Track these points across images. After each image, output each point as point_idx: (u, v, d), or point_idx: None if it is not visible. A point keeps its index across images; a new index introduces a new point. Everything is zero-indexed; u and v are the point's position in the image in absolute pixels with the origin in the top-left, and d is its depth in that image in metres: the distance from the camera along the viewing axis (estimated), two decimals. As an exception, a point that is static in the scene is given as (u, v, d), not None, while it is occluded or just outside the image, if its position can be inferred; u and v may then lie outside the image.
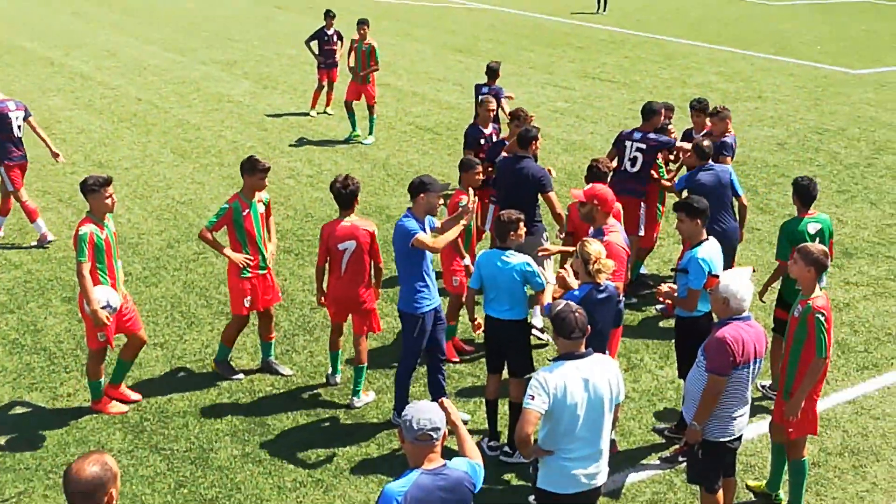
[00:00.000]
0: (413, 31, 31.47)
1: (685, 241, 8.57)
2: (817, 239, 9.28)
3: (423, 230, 8.47)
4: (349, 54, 18.15)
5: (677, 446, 8.54)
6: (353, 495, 7.93)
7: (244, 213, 9.25)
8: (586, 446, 6.11)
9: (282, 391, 9.45)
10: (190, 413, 8.99)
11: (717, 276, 7.81)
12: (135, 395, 9.27)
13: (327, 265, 9.10)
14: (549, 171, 10.64)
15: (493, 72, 14.59)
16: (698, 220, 8.26)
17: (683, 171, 11.86)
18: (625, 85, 23.83)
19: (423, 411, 4.96)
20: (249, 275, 9.35)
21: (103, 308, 8.41)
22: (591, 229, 8.63)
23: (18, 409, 9.05)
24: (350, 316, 9.32)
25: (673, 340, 10.16)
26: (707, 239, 8.28)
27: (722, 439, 6.92)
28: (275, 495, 7.92)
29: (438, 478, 4.94)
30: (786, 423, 7.47)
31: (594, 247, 7.43)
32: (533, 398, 5.89)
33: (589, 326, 6.13)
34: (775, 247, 9.75)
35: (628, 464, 8.42)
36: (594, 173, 9.97)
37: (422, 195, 8.51)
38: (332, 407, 9.22)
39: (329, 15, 18.89)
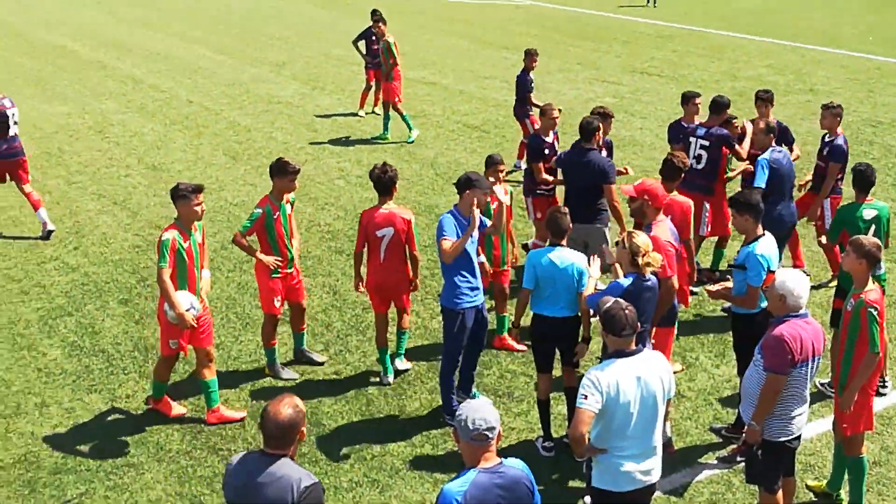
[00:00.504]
0: (456, 28, 31.48)
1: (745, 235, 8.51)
2: (872, 225, 9.23)
3: (465, 227, 8.51)
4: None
5: (735, 446, 8.46)
6: (409, 495, 7.96)
7: (275, 217, 9.35)
8: (640, 443, 6.10)
9: (336, 391, 9.51)
10: (247, 414, 9.07)
11: (774, 273, 7.75)
12: (239, 414, 9.05)
13: (366, 252, 9.34)
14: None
15: (529, 55, 15.67)
16: (748, 216, 8.19)
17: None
18: (673, 79, 23.62)
19: (478, 411, 4.99)
20: (279, 275, 9.46)
21: (187, 311, 8.43)
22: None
23: (78, 412, 9.19)
24: (392, 303, 9.58)
25: (729, 338, 10.11)
26: (763, 234, 8.19)
27: (781, 439, 6.85)
28: (331, 495, 7.97)
29: (496, 476, 4.97)
30: (839, 418, 7.40)
31: (642, 238, 7.40)
32: (586, 397, 5.89)
33: (638, 323, 6.12)
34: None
35: (685, 464, 8.35)
36: (670, 167, 9.78)
37: (468, 192, 8.60)
38: (386, 407, 9.26)
39: (375, 14, 18.83)
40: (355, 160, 16.92)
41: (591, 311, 7.68)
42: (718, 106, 11.73)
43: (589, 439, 6.06)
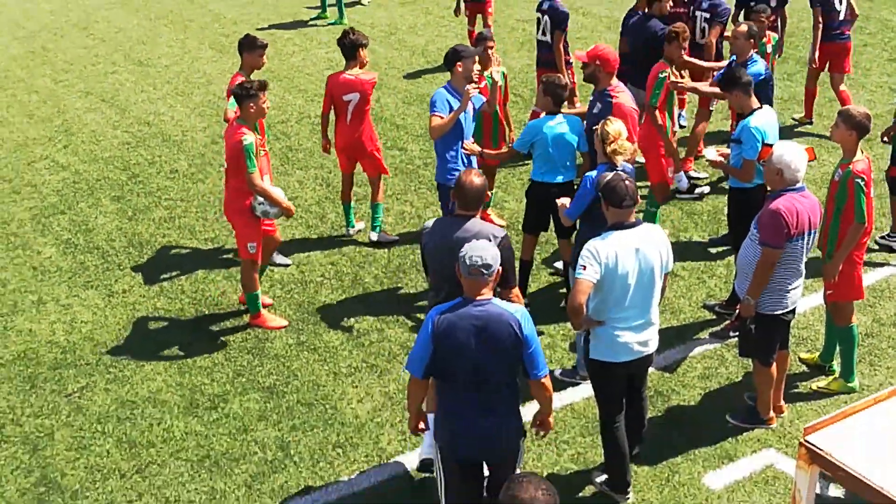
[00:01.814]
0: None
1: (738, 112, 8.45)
2: None
3: (458, 100, 8.51)
4: None
5: (728, 322, 8.54)
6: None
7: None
8: (638, 315, 6.17)
9: (332, 281, 9.55)
10: (244, 308, 9.12)
11: (772, 146, 7.68)
12: (280, 321, 8.90)
13: (333, 115, 9.74)
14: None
15: None
16: (737, 92, 8.13)
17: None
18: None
19: (477, 249, 5.33)
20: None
21: (274, 209, 8.35)
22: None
23: (75, 308, 9.25)
24: (359, 164, 9.98)
25: (721, 216, 10.12)
26: (760, 107, 8.11)
27: (776, 312, 6.90)
28: (331, 381, 8.09)
29: (476, 308, 5.31)
30: (826, 285, 7.47)
31: (613, 126, 7.24)
32: (585, 268, 5.92)
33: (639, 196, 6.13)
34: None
35: (679, 340, 8.45)
36: (672, 38, 9.74)
37: (458, 63, 8.60)
38: (383, 293, 9.32)
39: None
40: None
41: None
42: None
43: (587, 311, 6.10)
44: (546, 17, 11.55)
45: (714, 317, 8.79)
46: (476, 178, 6.21)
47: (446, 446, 5.68)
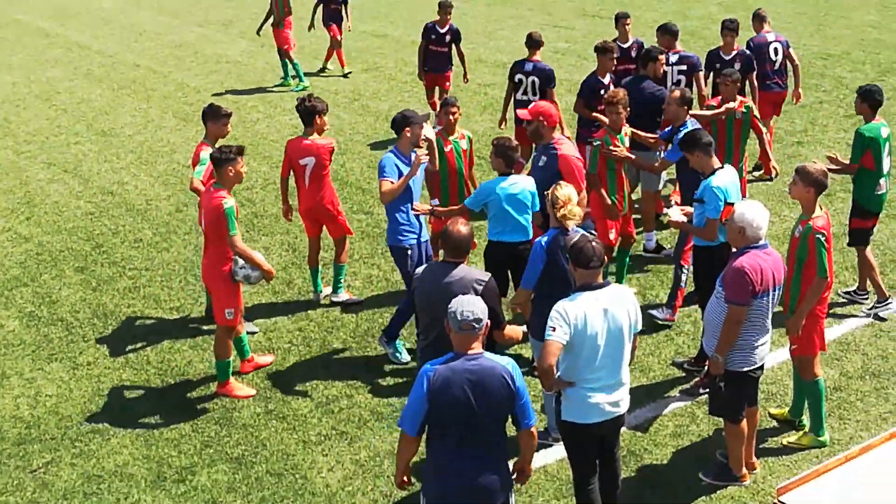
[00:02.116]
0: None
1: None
2: (887, 143, 9.39)
3: (408, 165, 8.71)
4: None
5: (697, 378, 8.56)
6: (378, 445, 7.98)
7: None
8: (608, 375, 6.16)
9: (300, 348, 9.48)
10: (211, 376, 9.01)
11: (733, 205, 7.78)
12: (267, 358, 9.19)
13: (292, 180, 9.90)
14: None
15: (535, 43, 12.41)
16: (698, 153, 8.21)
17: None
18: (625, 21, 23.51)
19: (467, 304, 5.44)
20: None
21: (256, 272, 8.32)
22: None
23: (39, 381, 9.10)
24: (324, 227, 10.08)
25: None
26: (721, 167, 8.22)
27: (745, 369, 6.93)
28: (300, 450, 7.98)
29: (470, 363, 5.40)
30: (791, 340, 7.54)
31: (563, 190, 7.22)
32: (554, 329, 5.92)
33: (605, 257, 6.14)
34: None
35: (649, 398, 8.44)
36: (610, 104, 9.66)
37: (406, 129, 8.77)
38: (351, 360, 9.26)
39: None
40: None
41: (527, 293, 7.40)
42: (671, 33, 11.96)
43: (557, 372, 6.09)
44: (533, 77, 12.02)
45: (683, 374, 8.80)
46: (462, 228, 6.60)
47: (436, 502, 5.63)
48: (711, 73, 12.43)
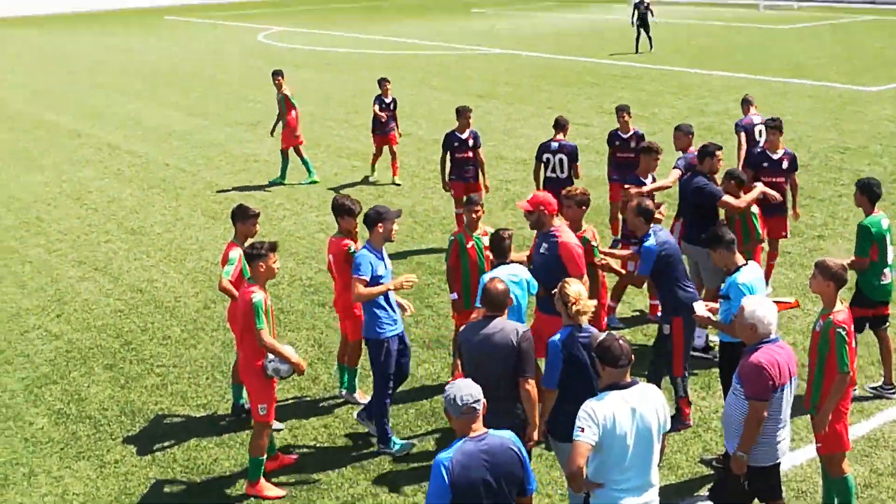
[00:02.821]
0: (430, 80, 31.79)
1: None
2: (888, 234, 9.62)
3: (382, 260, 8.94)
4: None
5: (726, 476, 8.49)
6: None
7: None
8: (637, 476, 6.13)
9: (326, 444, 9.49)
10: (237, 474, 9.04)
11: None
12: (291, 456, 9.20)
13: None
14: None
15: (561, 126, 13.79)
16: (720, 250, 8.34)
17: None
18: (643, 118, 23.91)
19: (464, 388, 5.61)
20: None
21: (285, 365, 8.38)
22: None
23: (67, 479, 9.13)
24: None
25: (713, 370, 10.20)
26: (746, 263, 8.31)
27: (769, 464, 6.91)
28: (327, 549, 7.94)
29: (481, 444, 5.57)
30: (815, 437, 7.51)
31: (573, 287, 7.23)
32: (583, 430, 5.92)
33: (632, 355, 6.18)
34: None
35: (679, 496, 8.38)
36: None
37: (379, 225, 8.93)
38: (377, 459, 9.25)
39: (385, 81, 19.07)
40: (334, 214, 16.99)
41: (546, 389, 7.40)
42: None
43: (586, 474, 6.08)
44: (560, 155, 13.31)
45: (712, 472, 8.74)
46: (500, 285, 7.29)
47: None
48: (755, 172, 12.20)
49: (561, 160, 13.30)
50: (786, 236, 12.55)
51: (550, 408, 7.31)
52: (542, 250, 9.09)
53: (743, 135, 14.28)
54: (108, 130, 25.54)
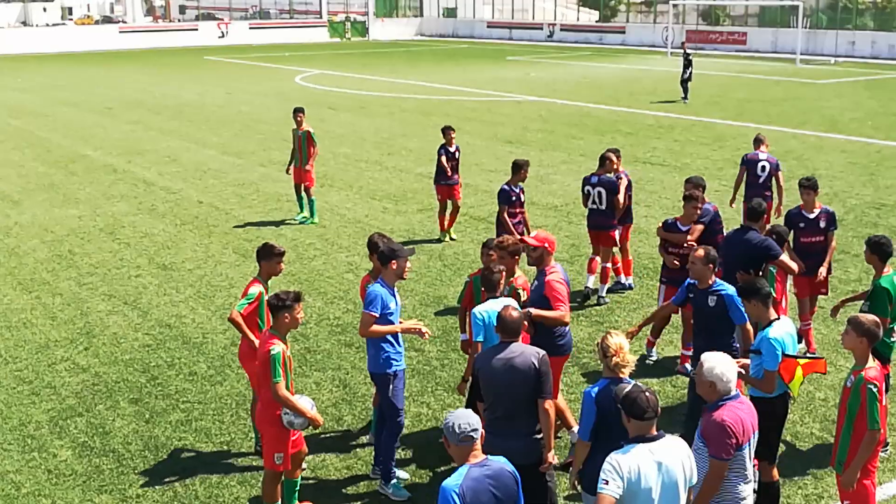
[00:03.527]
0: (463, 125, 31.92)
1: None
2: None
3: (393, 297, 9.00)
4: (293, 143, 19.37)
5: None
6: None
7: (266, 299, 9.48)
8: (662, 531, 6.02)
9: (349, 485, 9.43)
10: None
11: (793, 357, 7.75)
12: None
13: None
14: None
15: (603, 160, 14.50)
16: (755, 301, 8.24)
17: None
18: (676, 168, 23.91)
19: (462, 417, 5.89)
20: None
21: (300, 419, 8.28)
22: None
23: (89, 512, 9.13)
24: None
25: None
26: (778, 318, 8.22)
27: None
28: (345, 592, 7.85)
29: (484, 469, 5.84)
30: (842, 495, 7.38)
31: (614, 339, 7.13)
32: (607, 483, 5.85)
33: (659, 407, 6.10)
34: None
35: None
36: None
37: (392, 262, 8.98)
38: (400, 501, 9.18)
39: (449, 130, 18.13)
40: (363, 254, 17.02)
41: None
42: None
43: None
44: (599, 188, 14.14)
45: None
46: (514, 312, 7.63)
47: None
48: (792, 232, 12.04)
49: (600, 193, 14.14)
50: (825, 293, 12.36)
51: (583, 459, 7.21)
52: (534, 286, 9.47)
53: (743, 168, 15.74)
54: (144, 166, 25.85)
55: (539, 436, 7.52)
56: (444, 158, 17.67)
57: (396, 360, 9.13)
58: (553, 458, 7.60)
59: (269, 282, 9.75)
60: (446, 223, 17.97)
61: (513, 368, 7.41)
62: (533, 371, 7.44)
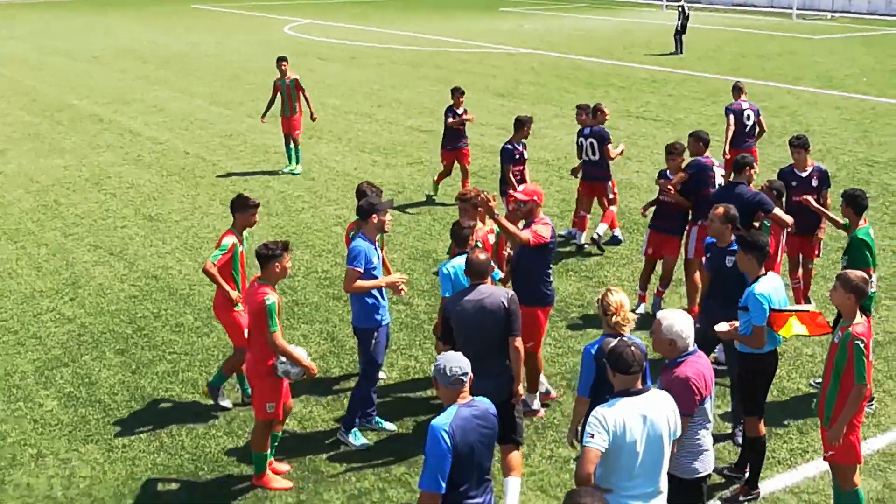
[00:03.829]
0: (454, 78, 31.63)
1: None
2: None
3: (376, 251, 8.99)
4: (274, 93, 19.38)
5: (738, 486, 8.38)
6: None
7: (240, 250, 9.70)
8: (645, 483, 6.03)
9: (334, 438, 9.42)
10: (245, 462, 8.98)
11: (780, 311, 7.70)
12: (284, 467, 8.91)
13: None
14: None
15: (595, 110, 14.85)
16: (751, 256, 8.16)
17: None
18: (669, 123, 23.76)
19: (453, 360, 6.01)
20: (242, 308, 9.58)
21: (296, 368, 8.30)
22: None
23: (74, 462, 9.10)
24: None
25: (722, 378, 10.08)
26: (765, 274, 8.16)
27: (697, 476, 6.77)
28: (330, 543, 7.87)
29: (472, 409, 6.00)
30: (825, 448, 7.41)
31: (615, 297, 7.14)
32: (593, 436, 5.84)
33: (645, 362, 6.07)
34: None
35: None
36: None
37: (372, 216, 8.98)
38: (386, 454, 9.18)
39: (458, 92, 17.24)
40: (351, 207, 16.89)
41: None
42: (701, 140, 12.21)
43: (595, 479, 5.97)
44: (591, 139, 14.30)
45: (723, 480, 8.61)
46: (481, 255, 7.84)
47: None
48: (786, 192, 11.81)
49: (592, 143, 14.32)
50: (817, 255, 12.23)
51: (583, 415, 7.15)
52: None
53: (732, 117, 16.02)
54: (131, 116, 25.60)
55: (506, 372, 7.88)
56: (451, 120, 16.88)
57: (380, 315, 9.10)
58: (522, 391, 8.15)
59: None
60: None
61: (483, 309, 7.67)
62: (503, 311, 7.74)
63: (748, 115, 16.06)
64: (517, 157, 14.34)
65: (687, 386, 6.56)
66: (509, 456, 8.03)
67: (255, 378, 8.48)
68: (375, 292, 9.04)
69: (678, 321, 6.68)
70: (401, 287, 9.10)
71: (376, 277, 9.01)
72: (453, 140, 17.08)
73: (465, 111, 17.15)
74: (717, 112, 24.96)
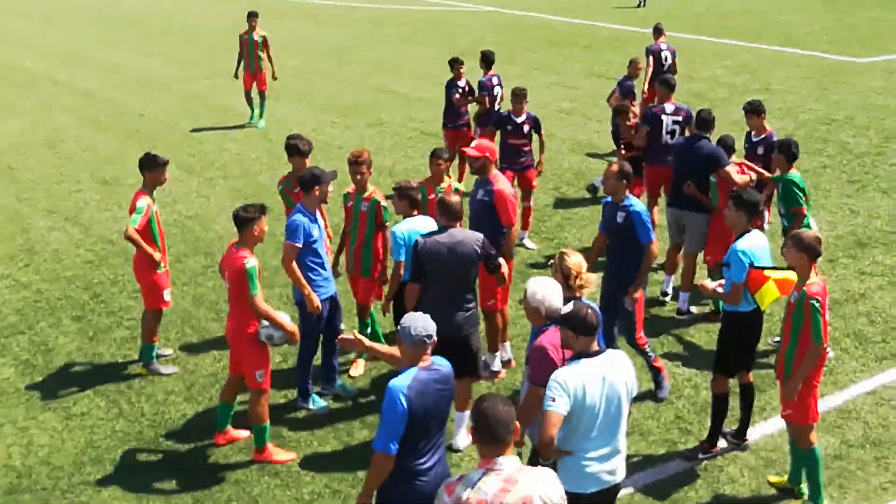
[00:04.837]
0: (416, 37, 31.43)
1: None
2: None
3: (316, 223, 8.83)
4: (242, 48, 19.34)
5: (700, 443, 8.45)
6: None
7: (155, 210, 9.66)
8: (605, 444, 6.05)
9: (301, 411, 9.38)
10: (205, 428, 8.92)
11: (762, 269, 7.71)
12: (243, 433, 8.77)
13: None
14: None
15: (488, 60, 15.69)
16: (741, 212, 8.15)
17: None
18: (630, 82, 23.69)
19: (419, 321, 5.95)
20: (163, 270, 9.65)
21: (279, 332, 8.22)
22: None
23: (32, 430, 9.00)
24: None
25: (688, 336, 10.14)
26: (749, 231, 8.15)
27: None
28: (292, 508, 7.86)
29: (432, 372, 5.95)
30: (783, 406, 7.46)
31: (574, 259, 7.02)
32: (554, 399, 5.82)
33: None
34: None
35: (649, 463, 8.32)
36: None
37: (315, 188, 8.81)
38: (348, 418, 9.16)
39: (458, 62, 15.87)
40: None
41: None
42: (667, 85, 12.62)
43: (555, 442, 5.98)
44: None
45: (682, 438, 8.69)
46: (454, 197, 8.11)
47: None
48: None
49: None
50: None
51: None
52: (479, 196, 9.37)
53: (651, 58, 17.72)
54: (86, 78, 25.14)
55: (473, 308, 8.23)
56: (457, 96, 15.41)
57: (322, 288, 8.93)
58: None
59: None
60: (457, 174, 15.42)
61: (455, 252, 7.95)
62: (475, 255, 8.07)
63: (665, 56, 17.77)
64: (510, 127, 13.36)
65: (543, 354, 6.41)
66: (462, 390, 8.13)
67: (240, 345, 8.34)
68: (316, 265, 8.88)
69: (543, 289, 6.60)
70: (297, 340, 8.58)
71: (317, 251, 8.84)
72: (453, 118, 15.47)
73: (468, 83, 15.60)
74: (678, 71, 24.93)
